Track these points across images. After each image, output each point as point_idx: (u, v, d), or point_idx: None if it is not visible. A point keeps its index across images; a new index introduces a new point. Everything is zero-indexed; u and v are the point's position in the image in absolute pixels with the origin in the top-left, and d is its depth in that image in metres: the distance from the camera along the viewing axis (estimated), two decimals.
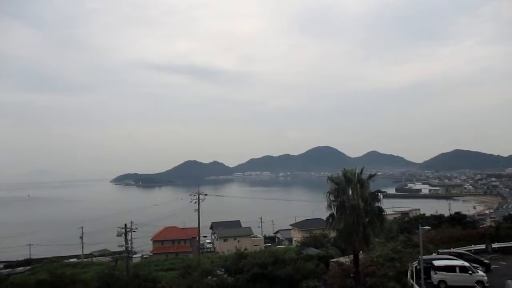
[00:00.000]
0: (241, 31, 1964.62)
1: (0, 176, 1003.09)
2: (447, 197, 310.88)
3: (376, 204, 36.22)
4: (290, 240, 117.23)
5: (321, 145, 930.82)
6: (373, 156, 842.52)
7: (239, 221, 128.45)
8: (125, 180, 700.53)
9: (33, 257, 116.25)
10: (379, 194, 36.70)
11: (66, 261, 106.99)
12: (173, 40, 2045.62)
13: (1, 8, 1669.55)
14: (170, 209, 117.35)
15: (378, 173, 47.50)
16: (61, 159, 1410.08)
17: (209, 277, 46.09)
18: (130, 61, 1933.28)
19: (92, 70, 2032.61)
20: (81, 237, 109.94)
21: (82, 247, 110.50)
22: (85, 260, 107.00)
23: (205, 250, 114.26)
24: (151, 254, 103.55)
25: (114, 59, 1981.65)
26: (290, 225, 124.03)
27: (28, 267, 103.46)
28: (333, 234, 58.60)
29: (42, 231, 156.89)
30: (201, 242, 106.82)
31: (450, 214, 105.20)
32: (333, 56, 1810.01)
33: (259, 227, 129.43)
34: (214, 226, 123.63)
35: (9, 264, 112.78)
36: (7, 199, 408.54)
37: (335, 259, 46.99)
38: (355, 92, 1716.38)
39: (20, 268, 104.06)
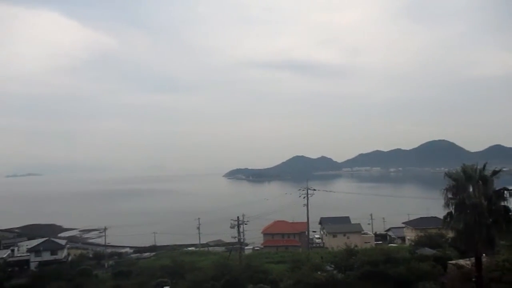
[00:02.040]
0: (342, 22, 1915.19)
1: (127, 171, 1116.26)
2: None
3: (502, 203, 33.09)
4: (402, 238, 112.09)
5: (436, 139, 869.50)
6: (497, 150, 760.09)
7: (348, 217, 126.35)
8: (236, 174, 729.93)
9: (157, 244, 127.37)
10: (505, 192, 33.44)
11: (185, 249, 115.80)
12: (274, 37, 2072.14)
13: (127, 20, 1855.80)
14: (279, 203, 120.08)
15: (504, 169, 43.08)
16: (177, 155, 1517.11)
17: (319, 272, 46.33)
18: (235, 60, 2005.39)
19: (201, 70, 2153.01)
20: (198, 228, 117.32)
21: (199, 237, 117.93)
22: (201, 249, 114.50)
23: (314, 245, 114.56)
24: (262, 246, 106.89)
25: (221, 59, 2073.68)
26: (403, 223, 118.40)
27: (153, 253, 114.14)
28: (451, 234, 54.72)
29: (164, 221, 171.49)
30: (310, 237, 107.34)
31: None
32: (444, 42, 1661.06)
33: (369, 224, 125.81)
34: (323, 221, 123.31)
35: (138, 250, 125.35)
36: (133, 191, 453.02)
37: (453, 261, 43.95)
38: (470, 80, 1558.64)
39: (147, 254, 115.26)
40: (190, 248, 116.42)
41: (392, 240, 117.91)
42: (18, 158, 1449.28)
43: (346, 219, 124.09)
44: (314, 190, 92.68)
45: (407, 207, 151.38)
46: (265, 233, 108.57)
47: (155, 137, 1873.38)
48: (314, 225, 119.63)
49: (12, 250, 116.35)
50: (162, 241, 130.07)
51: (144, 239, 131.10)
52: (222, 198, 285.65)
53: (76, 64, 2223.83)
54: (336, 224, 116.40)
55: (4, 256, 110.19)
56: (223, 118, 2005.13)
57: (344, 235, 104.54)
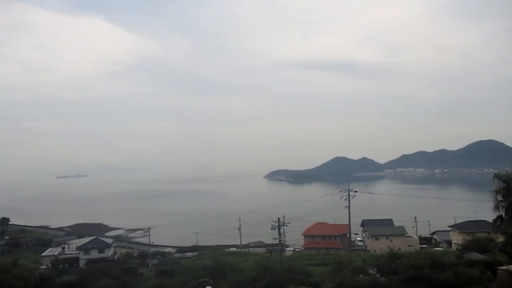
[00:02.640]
0: (381, 20, 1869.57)
1: (170, 172, 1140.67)
2: None
3: None
4: (448, 242, 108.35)
5: (484, 139, 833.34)
6: None
7: (391, 219, 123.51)
8: (276, 176, 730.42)
9: (199, 244, 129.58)
10: None
11: (226, 249, 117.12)
12: (311, 37, 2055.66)
13: (168, 25, 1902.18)
14: (320, 205, 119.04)
15: None
16: (218, 156, 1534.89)
17: (361, 276, 45.65)
18: (274, 61, 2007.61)
19: (240, 72, 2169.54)
20: (239, 229, 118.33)
21: (240, 237, 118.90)
22: (242, 250, 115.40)
23: (355, 247, 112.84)
24: (303, 248, 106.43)
25: (259, 60, 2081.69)
26: (449, 226, 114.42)
27: (195, 253, 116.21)
28: (501, 238, 52.48)
29: (205, 222, 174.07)
30: (351, 239, 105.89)
31: None
32: (489, 39, 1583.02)
33: (413, 226, 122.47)
34: (365, 223, 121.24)
35: (180, 249, 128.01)
36: (176, 192, 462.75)
37: (504, 267, 42.04)
38: None
39: (189, 254, 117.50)
40: (231, 249, 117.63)
41: (437, 244, 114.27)
42: (67, 160, 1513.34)
43: (389, 222, 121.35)
44: (356, 191, 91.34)
45: (453, 210, 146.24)
46: (306, 235, 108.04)
47: (197, 139, 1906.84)
48: (356, 228, 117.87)
49: (63, 248, 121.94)
50: (203, 241, 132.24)
51: (186, 239, 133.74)
52: (262, 199, 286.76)
53: (120, 69, 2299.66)
54: (379, 227, 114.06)
55: (56, 253, 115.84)
56: (263, 119, 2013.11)
57: (387, 238, 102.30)
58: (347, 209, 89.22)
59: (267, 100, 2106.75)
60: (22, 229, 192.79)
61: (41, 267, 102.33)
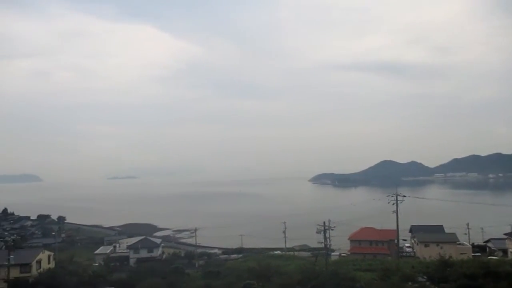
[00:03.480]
0: (431, 20, 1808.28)
1: (216, 174, 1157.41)
2: None
3: None
4: (504, 251, 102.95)
5: None
6: None
7: (441, 225, 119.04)
8: (321, 179, 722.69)
9: (244, 246, 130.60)
10: None
11: (271, 252, 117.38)
12: (357, 37, 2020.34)
13: (212, 29, 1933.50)
14: (367, 209, 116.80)
15: None
16: (263, 159, 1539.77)
17: (410, 283, 44.57)
18: (318, 64, 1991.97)
19: (284, 75, 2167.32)
20: (284, 232, 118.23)
21: (285, 241, 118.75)
22: (287, 253, 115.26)
23: (404, 254, 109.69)
24: (348, 253, 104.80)
25: (304, 62, 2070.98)
26: (505, 234, 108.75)
27: (240, 255, 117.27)
28: None
29: (250, 224, 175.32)
30: (399, 245, 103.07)
31: None
32: None
33: (465, 234, 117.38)
34: (413, 229, 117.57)
35: (226, 251, 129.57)
36: (223, 194, 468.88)
37: None
38: None
39: (234, 255, 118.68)
40: (276, 252, 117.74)
41: (492, 253, 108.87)
42: (118, 162, 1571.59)
43: (439, 228, 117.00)
44: (404, 196, 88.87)
45: (510, 217, 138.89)
46: (352, 240, 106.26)
47: (242, 142, 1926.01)
48: (404, 233, 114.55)
49: (114, 247, 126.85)
50: (248, 243, 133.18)
51: (232, 241, 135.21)
52: (307, 203, 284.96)
53: (168, 74, 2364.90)
54: (428, 233, 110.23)
55: (108, 251, 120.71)
56: (308, 122, 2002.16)
57: (437, 245, 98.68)
58: (394, 214, 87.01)
59: (312, 102, 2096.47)
60: (77, 228, 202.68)
61: (94, 264, 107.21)
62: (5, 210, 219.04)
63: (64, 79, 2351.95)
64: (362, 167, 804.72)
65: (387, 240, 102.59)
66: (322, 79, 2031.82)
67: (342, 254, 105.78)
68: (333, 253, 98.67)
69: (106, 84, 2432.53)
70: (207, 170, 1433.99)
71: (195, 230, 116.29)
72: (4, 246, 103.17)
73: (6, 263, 68.08)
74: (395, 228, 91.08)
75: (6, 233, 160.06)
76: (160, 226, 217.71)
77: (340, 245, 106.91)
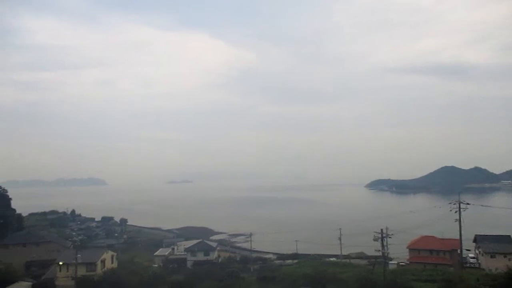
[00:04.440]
0: (496, 17, 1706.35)
1: (269, 179, 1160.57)
2: None
3: None
4: None
5: None
6: None
7: (509, 236, 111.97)
8: (378, 185, 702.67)
9: (299, 252, 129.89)
10: None
11: (326, 259, 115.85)
12: (415, 39, 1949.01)
13: (266, 36, 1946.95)
14: (427, 217, 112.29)
15: None
16: (317, 164, 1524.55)
17: None
18: (373, 67, 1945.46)
19: (338, 80, 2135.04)
20: (340, 239, 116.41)
21: (341, 248, 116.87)
22: (343, 260, 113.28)
23: (467, 265, 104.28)
24: (407, 262, 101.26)
25: (358, 67, 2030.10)
26: None
27: (295, 261, 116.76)
28: None
29: (305, 230, 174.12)
30: (463, 256, 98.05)
31: None
32: None
33: None
34: (478, 239, 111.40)
35: (280, 256, 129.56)
36: (277, 199, 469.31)
37: None
38: None
39: (289, 261, 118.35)
40: (331, 259, 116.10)
41: None
42: (176, 167, 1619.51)
43: (506, 238, 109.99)
44: (468, 204, 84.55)
45: None
46: (411, 248, 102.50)
47: (296, 147, 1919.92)
48: (468, 243, 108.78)
49: (173, 249, 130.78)
50: (303, 249, 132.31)
51: (286, 246, 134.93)
52: (363, 209, 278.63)
53: (222, 80, 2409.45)
54: (495, 243, 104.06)
55: (166, 253, 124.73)
56: (363, 126, 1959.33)
57: (505, 257, 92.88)
58: (457, 223, 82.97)
59: (367, 106, 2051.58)
60: (138, 230, 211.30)
61: (153, 265, 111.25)
62: (73, 211, 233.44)
63: (127, 87, 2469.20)
64: (421, 173, 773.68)
65: (449, 250, 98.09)
66: (378, 82, 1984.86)
67: (401, 263, 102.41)
68: (390, 262, 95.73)
69: (165, 91, 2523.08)
70: (260, 176, 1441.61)
71: (250, 234, 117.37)
72: (72, 246, 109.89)
73: (74, 261, 72.29)
74: (457, 237, 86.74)
75: (74, 233, 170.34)
76: (216, 230, 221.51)
77: (399, 253, 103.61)
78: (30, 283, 74.94)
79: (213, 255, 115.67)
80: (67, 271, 78.76)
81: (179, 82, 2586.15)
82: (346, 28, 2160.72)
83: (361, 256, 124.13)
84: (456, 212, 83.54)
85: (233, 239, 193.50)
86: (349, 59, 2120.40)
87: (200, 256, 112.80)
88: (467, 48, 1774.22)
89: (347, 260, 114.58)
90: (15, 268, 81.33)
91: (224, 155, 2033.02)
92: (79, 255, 73.21)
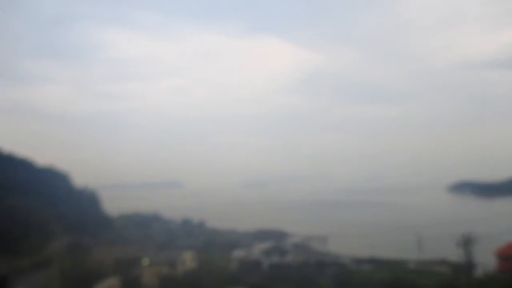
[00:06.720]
0: None
1: (346, 183, 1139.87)
2: None
3: None
4: None
5: None
6: None
7: None
8: (460, 187, 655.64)
9: (376, 256, 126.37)
10: None
11: (405, 265, 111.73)
12: (497, 31, 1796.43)
13: (333, 36, 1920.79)
14: None
15: None
16: (394, 166, 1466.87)
17: None
18: (450, 62, 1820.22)
19: (412, 78, 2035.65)
20: (419, 244, 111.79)
21: (421, 253, 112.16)
22: (423, 267, 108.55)
23: None
24: (495, 270, 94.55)
25: (434, 63, 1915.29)
26: None
27: (372, 266, 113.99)
28: None
29: (382, 234, 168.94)
30: None
31: None
32: None
33: None
34: None
35: (357, 261, 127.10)
36: (353, 202, 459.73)
37: None
38: None
39: (366, 266, 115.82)
40: (410, 265, 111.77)
41: None
42: (249, 170, 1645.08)
43: None
44: None
45: None
46: (500, 256, 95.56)
47: (369, 149, 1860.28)
48: None
49: (248, 251, 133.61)
50: (380, 254, 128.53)
51: (363, 251, 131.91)
52: (444, 213, 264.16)
53: (292, 84, 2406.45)
54: None
55: (242, 255, 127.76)
56: (442, 125, 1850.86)
57: None
58: None
59: (444, 104, 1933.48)
60: (215, 231, 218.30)
61: (230, 266, 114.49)
62: (155, 213, 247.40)
63: (201, 94, 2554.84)
64: (509, 174, 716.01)
65: None
66: (455, 79, 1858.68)
67: (488, 272, 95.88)
68: (478, 271, 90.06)
69: (237, 97, 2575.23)
70: (334, 178, 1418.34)
71: (326, 238, 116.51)
72: (155, 246, 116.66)
73: (157, 261, 76.88)
74: None
75: (156, 234, 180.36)
76: (291, 232, 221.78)
77: (484, 261, 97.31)
78: (119, 280, 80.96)
79: (288, 258, 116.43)
80: (151, 270, 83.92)
81: (251, 87, 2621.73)
82: (419, 23, 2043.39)
83: (443, 262, 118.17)
84: None
85: (309, 242, 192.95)
86: (425, 55, 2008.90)
87: (275, 259, 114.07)
88: None
89: (428, 267, 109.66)
90: (106, 265, 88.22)
91: (298, 158, 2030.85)
92: (161, 255, 77.66)
